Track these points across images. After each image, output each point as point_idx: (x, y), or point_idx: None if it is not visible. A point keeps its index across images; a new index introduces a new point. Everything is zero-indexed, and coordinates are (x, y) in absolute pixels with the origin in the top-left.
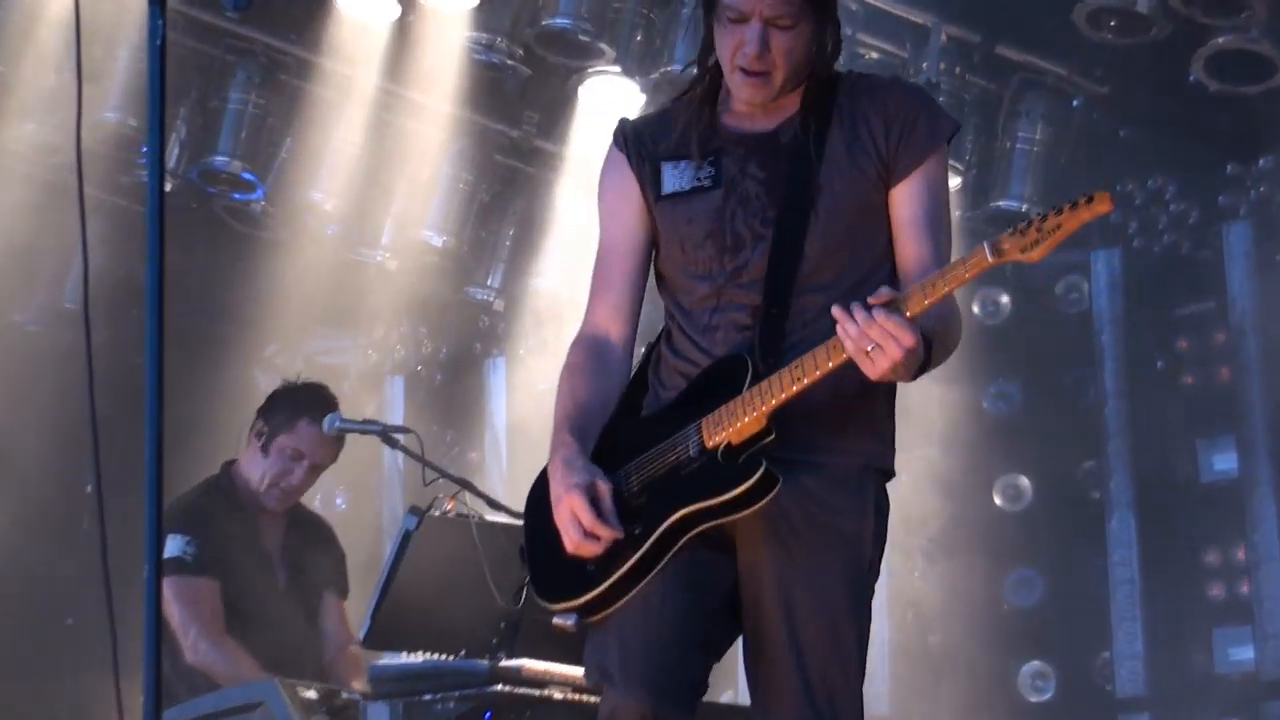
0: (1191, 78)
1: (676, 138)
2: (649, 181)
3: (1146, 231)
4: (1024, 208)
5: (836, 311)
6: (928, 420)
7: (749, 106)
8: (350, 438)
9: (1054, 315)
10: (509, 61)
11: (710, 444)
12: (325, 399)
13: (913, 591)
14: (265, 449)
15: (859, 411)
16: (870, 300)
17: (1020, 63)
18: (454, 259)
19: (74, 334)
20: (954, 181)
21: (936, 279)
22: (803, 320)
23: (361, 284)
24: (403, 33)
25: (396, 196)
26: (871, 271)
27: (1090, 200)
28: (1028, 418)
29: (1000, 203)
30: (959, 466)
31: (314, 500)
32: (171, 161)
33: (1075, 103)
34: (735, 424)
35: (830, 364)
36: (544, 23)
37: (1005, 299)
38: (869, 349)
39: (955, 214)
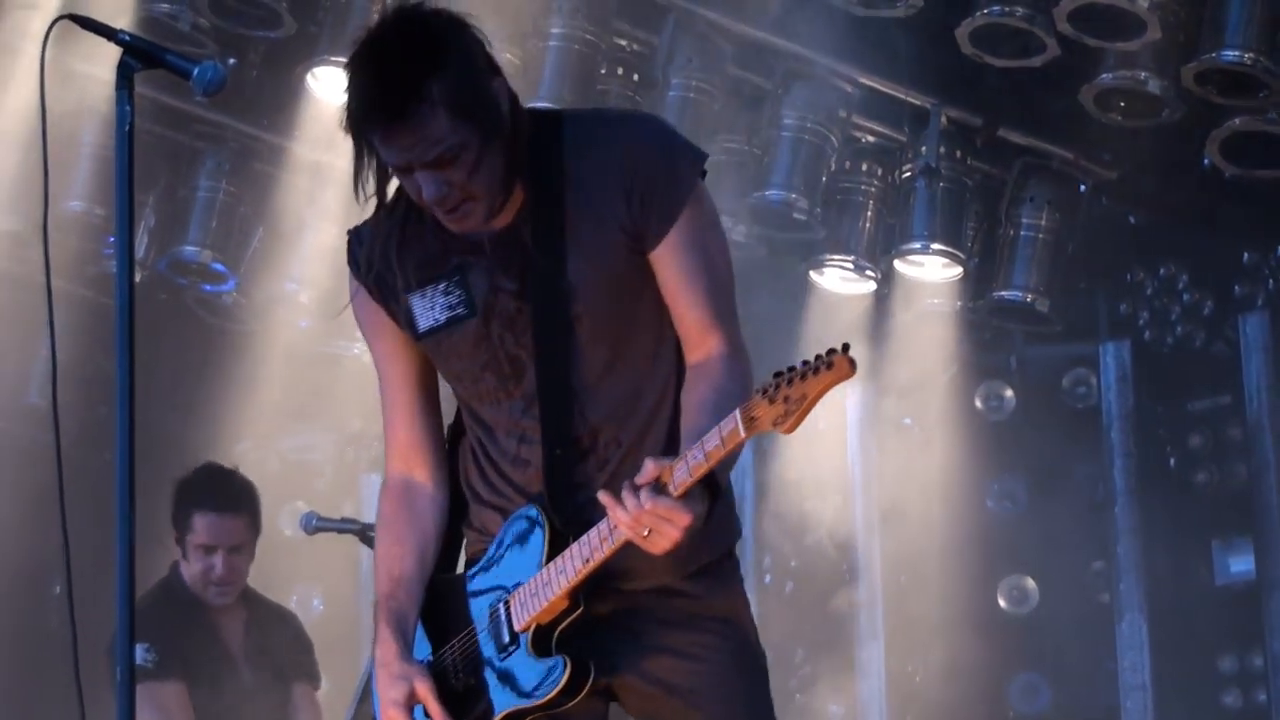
0: (1206, 161)
1: (413, 263)
2: (401, 317)
3: (1158, 323)
4: (1028, 299)
5: (604, 498)
6: (928, 519)
7: None
8: (326, 537)
9: (1061, 410)
10: None
11: (520, 628)
12: (208, 483)
13: (914, 696)
14: (185, 554)
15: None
16: (637, 480)
17: (1025, 146)
18: None
19: (39, 431)
20: (954, 271)
21: (697, 451)
22: (596, 458)
23: (337, 378)
24: None
25: None
26: (654, 365)
27: (830, 366)
28: (1033, 517)
29: (1003, 293)
30: (961, 567)
31: (290, 601)
32: (140, 252)
33: (1082, 188)
34: (540, 605)
35: (613, 544)
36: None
37: (1009, 393)
38: (645, 534)
39: (956, 305)
